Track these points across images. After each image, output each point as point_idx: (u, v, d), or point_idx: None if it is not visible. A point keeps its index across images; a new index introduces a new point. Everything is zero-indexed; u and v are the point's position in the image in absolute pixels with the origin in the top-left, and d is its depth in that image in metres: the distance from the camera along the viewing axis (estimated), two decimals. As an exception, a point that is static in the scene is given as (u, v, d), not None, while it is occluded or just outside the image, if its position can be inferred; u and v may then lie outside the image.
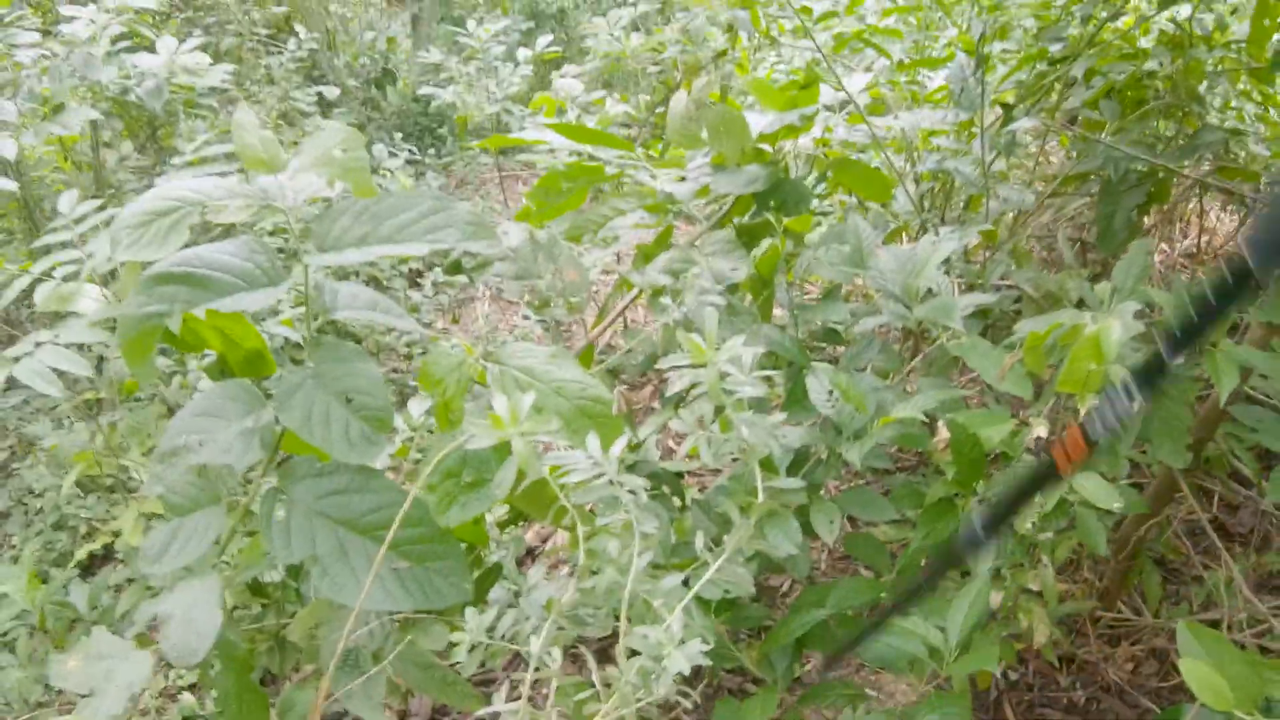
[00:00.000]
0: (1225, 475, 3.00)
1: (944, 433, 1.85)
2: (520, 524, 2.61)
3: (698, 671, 3.03)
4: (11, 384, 2.22)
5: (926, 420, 1.87)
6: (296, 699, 2.43)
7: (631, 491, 1.22)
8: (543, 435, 1.25)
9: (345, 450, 1.53)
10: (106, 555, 3.67)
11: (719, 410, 1.30)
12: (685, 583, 1.27)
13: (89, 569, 3.49)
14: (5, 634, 3.15)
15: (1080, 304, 2.34)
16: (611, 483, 1.22)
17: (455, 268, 1.94)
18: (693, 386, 1.28)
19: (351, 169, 1.64)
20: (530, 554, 3.27)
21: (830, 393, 1.69)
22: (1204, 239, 4.18)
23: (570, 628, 1.37)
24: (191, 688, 3.17)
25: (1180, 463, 2.10)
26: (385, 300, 1.74)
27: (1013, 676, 3.04)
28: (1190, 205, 4.18)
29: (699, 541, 1.25)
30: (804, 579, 1.96)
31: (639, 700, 1.23)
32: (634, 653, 1.26)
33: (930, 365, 2.06)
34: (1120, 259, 2.20)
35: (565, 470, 1.21)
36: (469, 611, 1.48)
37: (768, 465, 1.32)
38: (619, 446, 1.21)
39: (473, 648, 1.44)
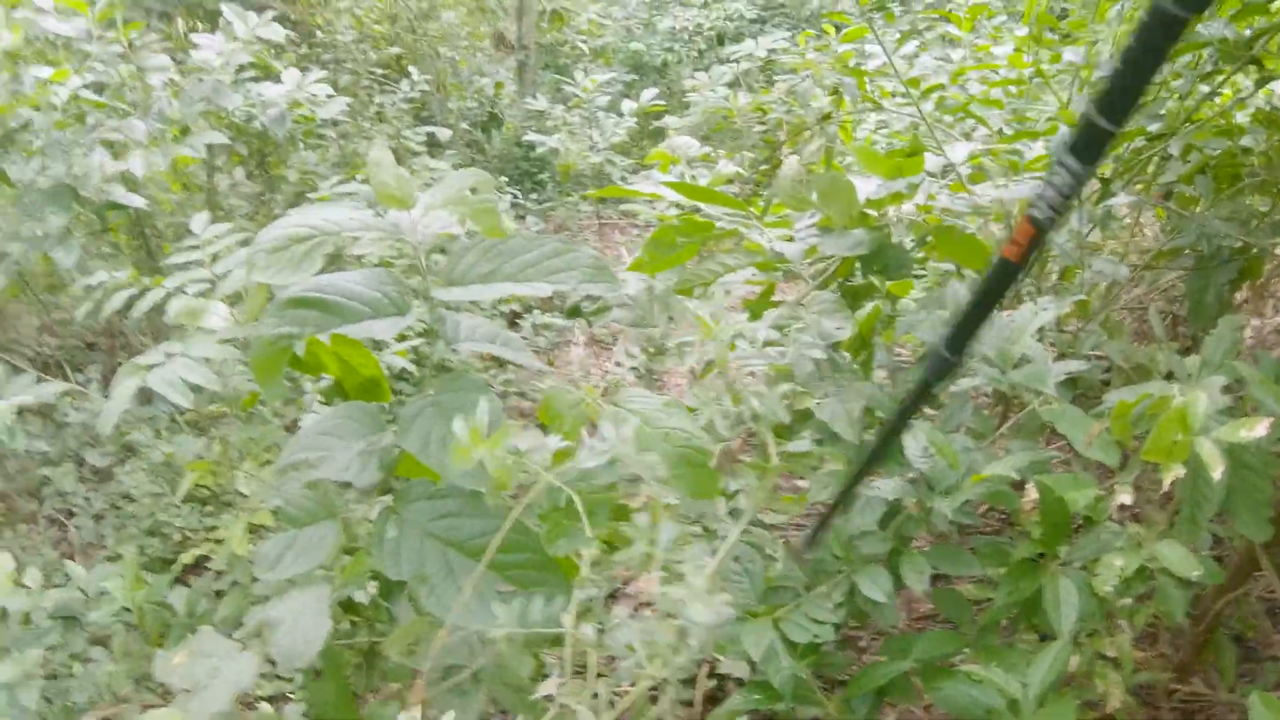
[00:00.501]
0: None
1: (1031, 494, 1.89)
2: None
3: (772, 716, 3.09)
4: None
5: (1015, 481, 1.92)
6: (381, 714, 2.52)
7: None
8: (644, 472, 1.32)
9: (461, 475, 1.59)
10: (197, 565, 3.80)
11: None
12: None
13: (178, 578, 3.62)
14: (101, 630, 3.26)
15: (1169, 376, 2.37)
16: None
17: (575, 311, 2.04)
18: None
19: (482, 210, 1.73)
20: (613, 595, 3.32)
21: (925, 449, 1.76)
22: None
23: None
24: (269, 699, 3.26)
25: (1261, 536, 2.10)
26: (505, 334, 1.83)
27: (1087, 745, 3.04)
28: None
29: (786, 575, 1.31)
30: (891, 628, 2.01)
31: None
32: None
33: (1019, 430, 2.11)
34: (1210, 334, 2.22)
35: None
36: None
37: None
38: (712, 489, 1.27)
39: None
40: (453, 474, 1.63)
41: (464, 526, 1.72)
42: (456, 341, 1.82)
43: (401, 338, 3.72)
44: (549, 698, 1.41)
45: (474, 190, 1.74)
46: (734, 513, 1.84)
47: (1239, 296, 3.70)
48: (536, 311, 5.52)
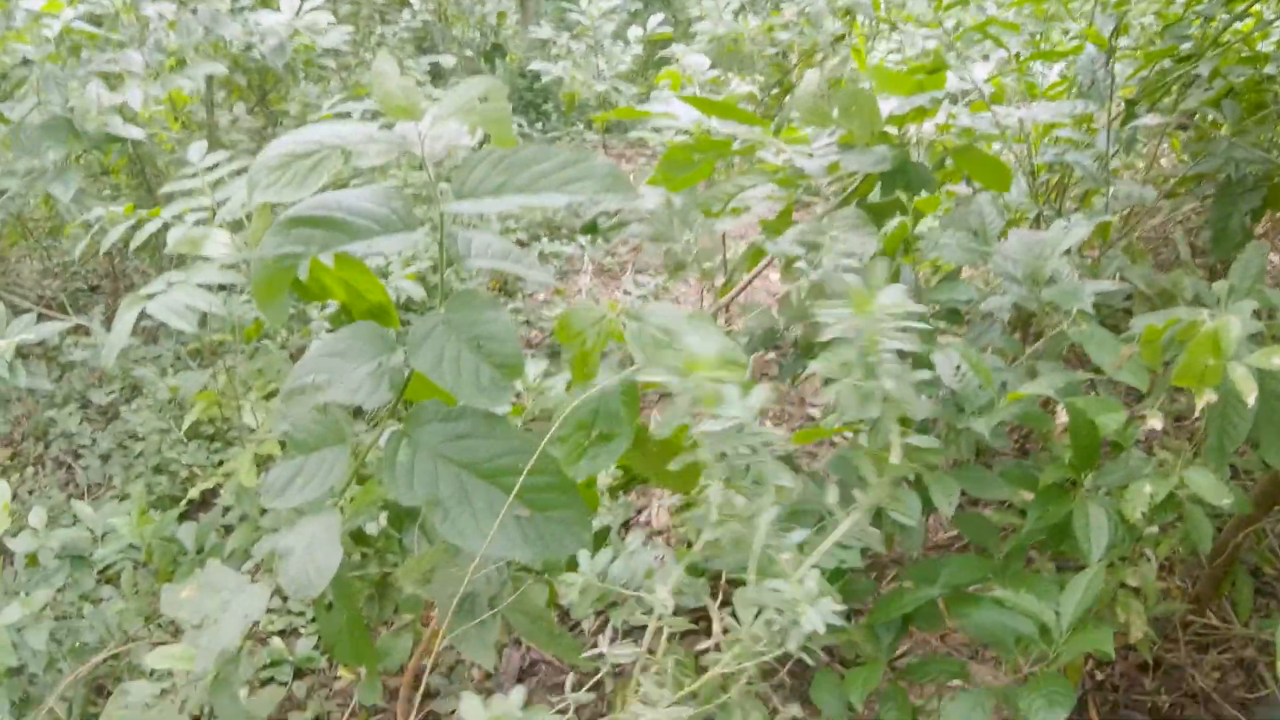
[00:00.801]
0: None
1: (1061, 418, 1.84)
2: (628, 491, 2.65)
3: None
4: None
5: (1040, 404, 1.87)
6: (393, 645, 2.49)
7: (767, 444, 1.24)
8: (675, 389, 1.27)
9: (474, 394, 1.54)
10: (204, 501, 3.77)
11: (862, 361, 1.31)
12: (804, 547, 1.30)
13: (186, 514, 3.59)
14: (109, 567, 3.24)
15: (1195, 302, 2.31)
16: (748, 433, 1.24)
17: (591, 228, 1.98)
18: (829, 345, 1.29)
19: (493, 118, 1.65)
20: (626, 525, 3.30)
21: (957, 367, 1.70)
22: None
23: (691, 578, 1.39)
24: (280, 633, 3.24)
25: None
26: (517, 251, 1.76)
27: (1099, 676, 3.02)
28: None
29: (831, 496, 1.27)
30: (915, 555, 1.97)
31: (761, 655, 1.26)
32: (757, 609, 1.28)
33: (1046, 353, 2.06)
34: (1237, 259, 2.19)
35: (707, 416, 1.23)
36: (583, 554, 1.51)
37: (906, 424, 1.34)
38: (758, 397, 1.23)
39: (584, 591, 1.47)
40: (466, 394, 1.56)
41: (479, 448, 1.66)
42: (468, 258, 1.76)
43: (407, 263, 3.67)
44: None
45: (484, 99, 1.67)
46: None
47: (1260, 229, 3.64)
48: (545, 239, 5.44)
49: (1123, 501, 1.90)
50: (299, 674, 3.06)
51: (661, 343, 1.48)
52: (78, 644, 2.79)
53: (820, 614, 1.11)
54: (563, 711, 1.42)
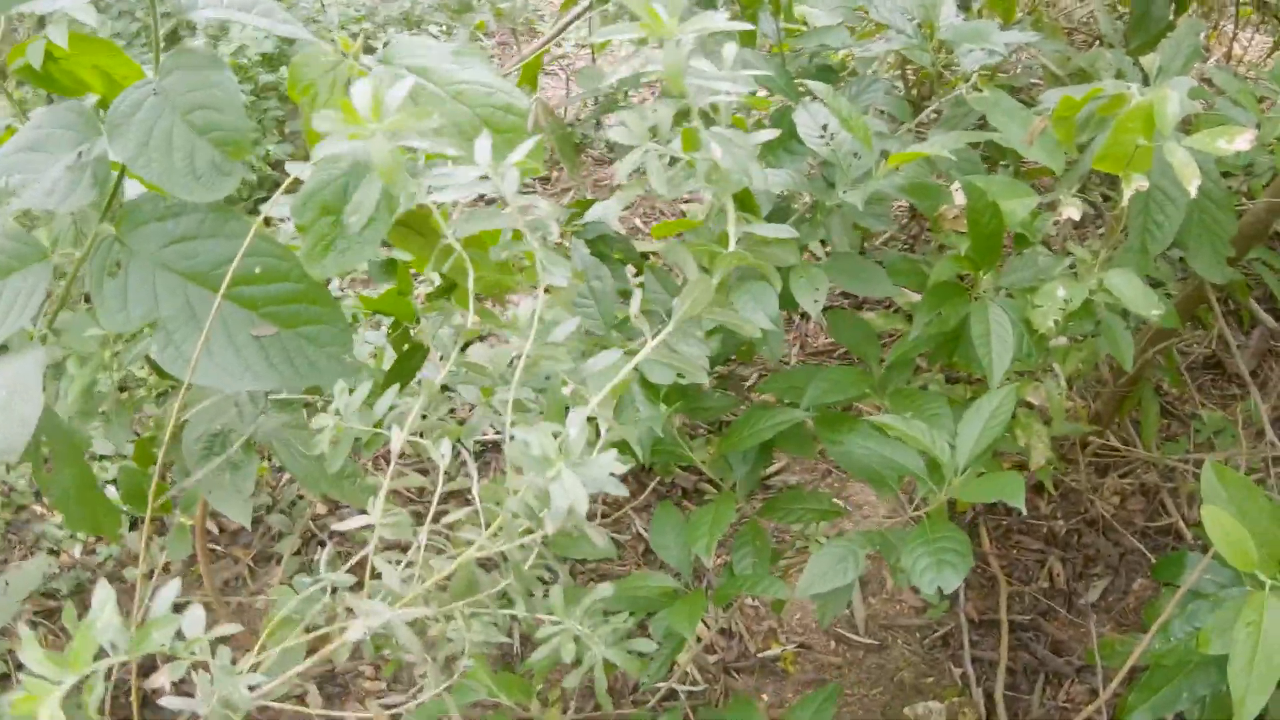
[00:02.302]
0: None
1: (958, 199, 1.49)
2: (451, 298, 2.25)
3: (648, 469, 2.76)
4: None
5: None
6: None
7: (539, 230, 0.86)
8: (423, 143, 0.87)
9: (189, 184, 1.20)
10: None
11: (680, 119, 0.93)
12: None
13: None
14: None
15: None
16: (502, 202, 0.85)
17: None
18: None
19: None
20: (483, 338, 2.93)
21: (824, 128, 1.33)
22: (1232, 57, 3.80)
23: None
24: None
25: (1218, 276, 1.85)
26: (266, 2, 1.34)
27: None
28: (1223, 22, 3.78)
29: (634, 304, 0.89)
30: (781, 363, 1.63)
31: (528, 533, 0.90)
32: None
33: (942, 122, 1.70)
34: (1168, 38, 1.93)
35: (438, 185, 0.84)
36: (337, 388, 1.14)
37: (747, 204, 0.96)
38: (520, 152, 0.84)
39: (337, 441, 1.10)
40: (180, 183, 1.20)
41: (206, 252, 1.29)
42: (193, 7, 1.34)
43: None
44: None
45: None
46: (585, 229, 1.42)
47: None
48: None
49: (1030, 307, 1.58)
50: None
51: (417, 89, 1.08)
52: None
53: (583, 483, 0.73)
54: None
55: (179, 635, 0.78)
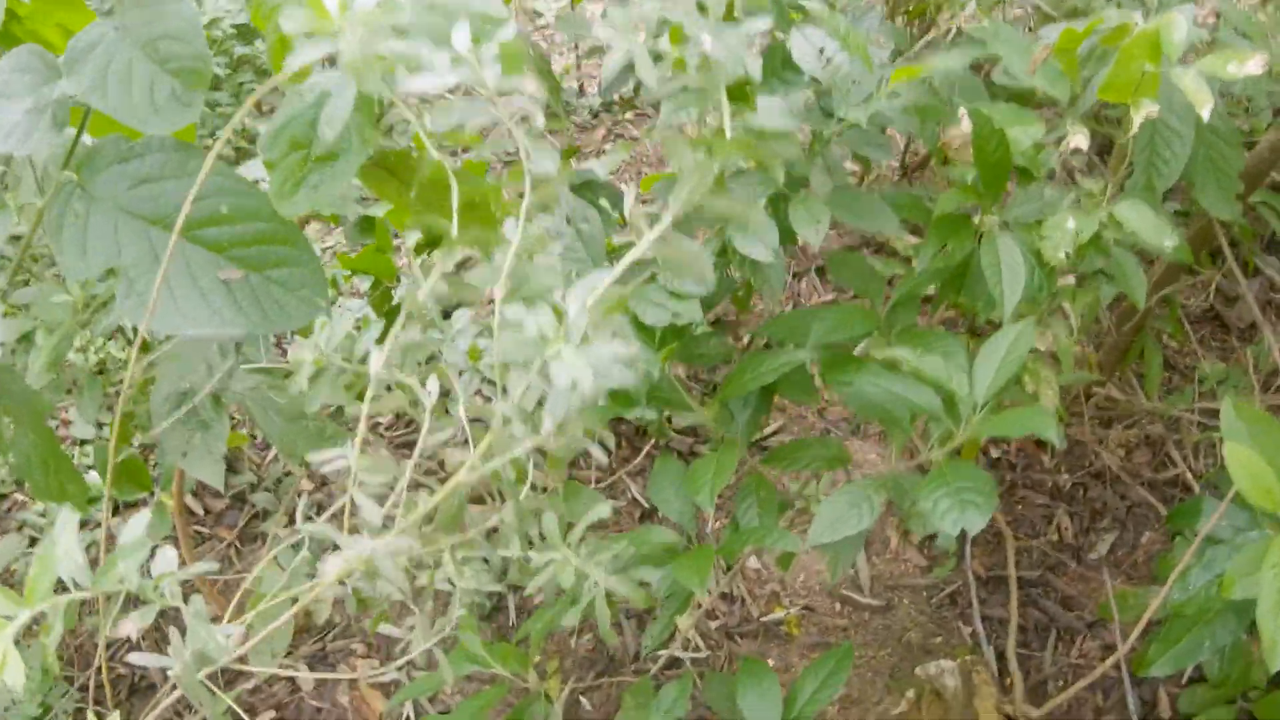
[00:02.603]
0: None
1: (965, 125, 1.42)
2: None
3: (641, 431, 2.69)
4: None
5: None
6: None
7: (523, 117, 0.77)
8: (398, 44, 0.79)
9: (148, 115, 1.13)
10: None
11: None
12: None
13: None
14: None
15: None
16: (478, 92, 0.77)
17: None
18: None
19: None
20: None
21: (821, 52, 1.25)
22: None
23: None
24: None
25: (1227, 214, 1.76)
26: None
27: (993, 454, 2.72)
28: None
29: (628, 202, 0.81)
30: (777, 306, 1.55)
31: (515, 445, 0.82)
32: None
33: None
34: None
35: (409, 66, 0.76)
36: (318, 325, 1.06)
37: (740, 96, 0.88)
38: (505, 34, 0.76)
39: (316, 376, 1.02)
40: (140, 115, 1.13)
41: (170, 193, 1.21)
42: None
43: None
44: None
45: None
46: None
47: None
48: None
49: (1040, 239, 1.51)
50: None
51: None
52: None
53: (592, 363, 0.65)
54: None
55: (146, 573, 0.70)
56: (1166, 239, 1.54)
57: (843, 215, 1.31)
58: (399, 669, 1.02)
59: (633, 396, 1.30)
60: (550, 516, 0.87)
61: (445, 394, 0.91)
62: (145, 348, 1.43)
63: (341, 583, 0.94)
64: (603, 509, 0.87)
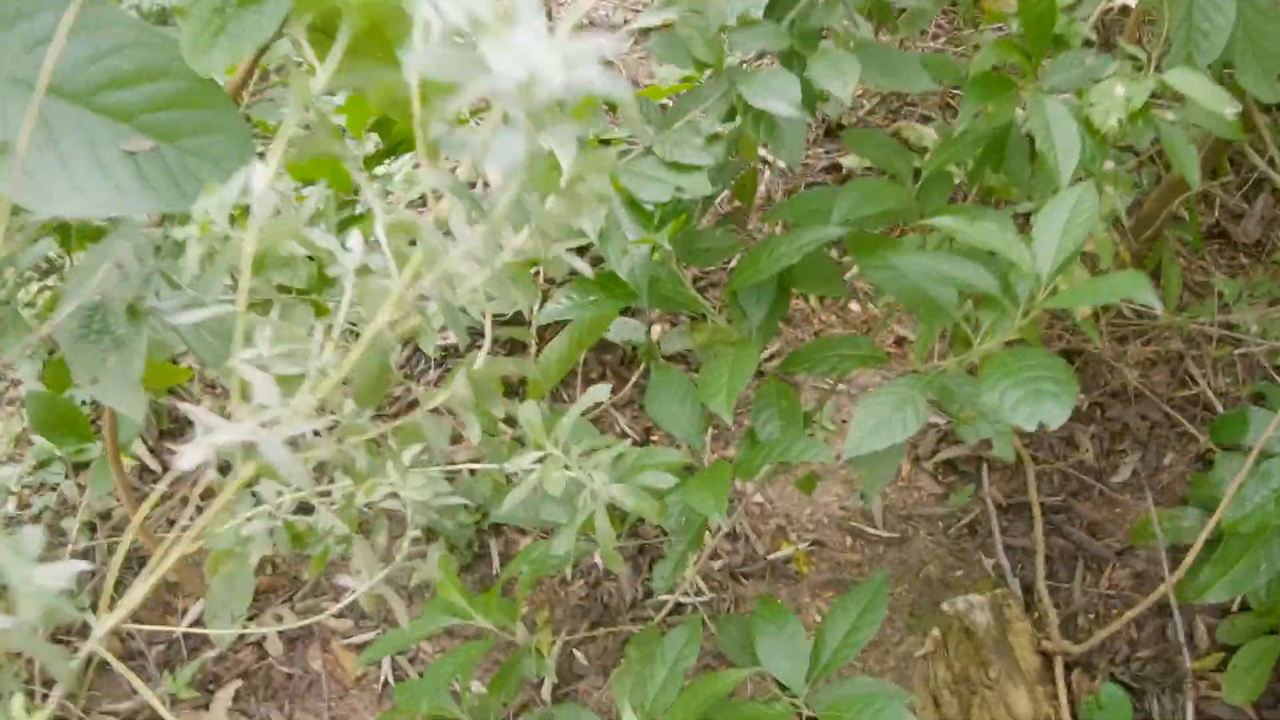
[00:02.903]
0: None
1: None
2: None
3: (626, 360, 2.47)
4: None
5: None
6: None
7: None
8: None
9: None
10: None
11: None
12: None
13: None
14: None
15: None
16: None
17: None
18: None
19: None
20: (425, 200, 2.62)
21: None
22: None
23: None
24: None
25: (1268, 94, 1.59)
26: None
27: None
28: None
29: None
30: (793, 172, 1.34)
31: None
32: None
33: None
34: None
35: None
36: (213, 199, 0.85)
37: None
38: None
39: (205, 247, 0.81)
40: None
41: (67, 55, 0.99)
42: None
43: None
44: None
45: None
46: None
47: None
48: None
49: (1088, 106, 1.31)
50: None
51: None
52: None
53: (559, 50, 0.42)
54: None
55: None
56: (1226, 106, 1.35)
57: (870, 72, 1.10)
58: (376, 629, 0.83)
59: (630, 288, 1.09)
60: (530, 405, 0.67)
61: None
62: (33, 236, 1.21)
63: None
64: (600, 390, 0.67)
